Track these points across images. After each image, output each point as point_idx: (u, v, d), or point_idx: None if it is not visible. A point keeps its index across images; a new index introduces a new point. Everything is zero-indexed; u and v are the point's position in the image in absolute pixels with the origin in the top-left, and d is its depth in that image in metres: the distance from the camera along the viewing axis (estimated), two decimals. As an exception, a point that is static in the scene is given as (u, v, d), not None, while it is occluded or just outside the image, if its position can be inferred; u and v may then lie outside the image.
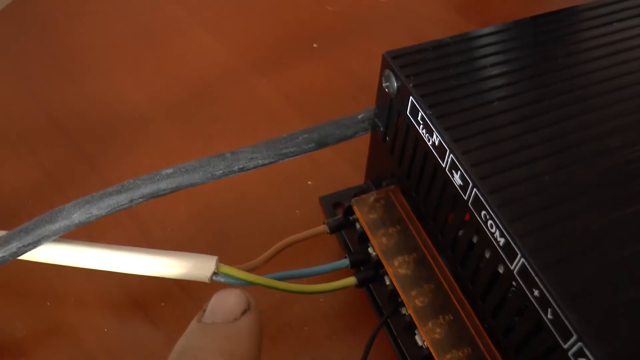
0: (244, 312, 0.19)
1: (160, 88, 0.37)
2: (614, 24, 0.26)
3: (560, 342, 0.18)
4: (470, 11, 0.43)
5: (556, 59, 0.25)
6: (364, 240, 0.26)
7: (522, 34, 0.25)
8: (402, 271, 0.24)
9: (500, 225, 0.19)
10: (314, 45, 0.39)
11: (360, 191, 0.26)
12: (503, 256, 0.20)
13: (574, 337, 0.17)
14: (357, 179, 0.31)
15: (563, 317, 0.18)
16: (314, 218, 0.28)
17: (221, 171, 0.25)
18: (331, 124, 0.27)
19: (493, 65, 0.24)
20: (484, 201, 0.20)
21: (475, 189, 0.20)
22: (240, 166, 0.25)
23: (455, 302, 0.23)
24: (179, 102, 0.36)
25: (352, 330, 0.27)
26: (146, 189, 0.25)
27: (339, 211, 0.31)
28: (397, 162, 0.26)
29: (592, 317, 0.17)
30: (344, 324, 0.27)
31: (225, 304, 0.19)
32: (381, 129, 0.26)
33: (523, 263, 0.19)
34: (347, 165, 0.32)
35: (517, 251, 0.19)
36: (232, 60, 0.39)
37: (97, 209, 0.25)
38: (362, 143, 0.29)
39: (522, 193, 0.20)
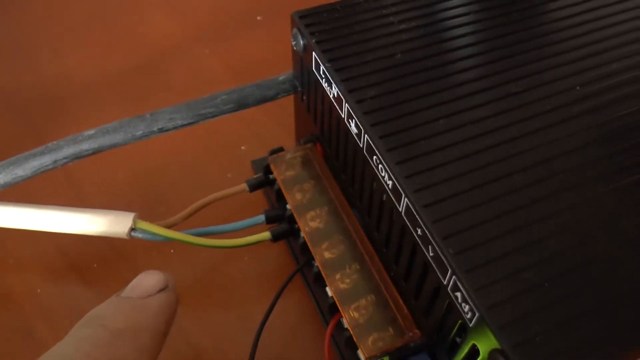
0: (160, 290, 0.20)
1: (106, 61, 0.37)
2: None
3: (441, 278, 0.19)
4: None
5: (468, 14, 0.25)
6: (281, 197, 0.26)
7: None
8: (313, 225, 0.25)
9: (387, 168, 0.20)
10: (258, 17, 0.40)
11: (277, 149, 0.27)
12: (393, 199, 0.20)
13: (449, 272, 0.18)
14: (292, 143, 0.32)
15: (440, 253, 0.18)
16: (244, 181, 0.28)
17: (141, 131, 0.26)
18: (252, 85, 0.27)
19: (401, 21, 0.25)
20: (374, 146, 0.21)
21: (366, 135, 0.21)
22: (160, 126, 0.26)
23: (364, 253, 0.24)
24: (124, 73, 0.37)
25: (274, 285, 0.27)
26: (69, 150, 0.26)
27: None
28: (313, 119, 0.26)
29: (465, 252, 0.18)
30: (267, 280, 0.28)
31: (144, 282, 0.20)
32: (299, 88, 0.27)
33: (407, 203, 0.19)
34: (282, 130, 0.33)
35: (402, 192, 0.19)
36: (176, 32, 0.39)
37: (22, 170, 0.26)
38: (292, 106, 0.29)
39: (411, 138, 0.20)
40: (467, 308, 0.18)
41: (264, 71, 0.31)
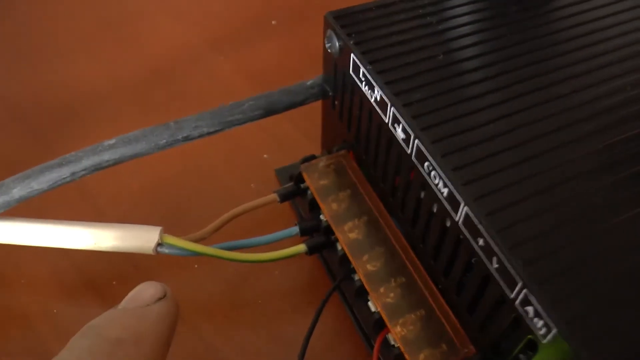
0: (159, 300, 0.19)
1: (118, 69, 0.36)
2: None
3: (507, 292, 0.17)
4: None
5: (505, 14, 0.24)
6: (314, 207, 0.25)
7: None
8: (352, 236, 0.24)
9: (442, 174, 0.19)
10: (273, 22, 0.38)
11: (309, 157, 0.26)
12: (448, 207, 0.19)
13: (519, 285, 0.17)
14: (315, 150, 0.30)
15: (507, 264, 0.17)
16: (270, 191, 0.27)
17: (165, 140, 0.25)
18: (279, 91, 0.26)
19: (439, 22, 0.23)
20: (425, 152, 0.19)
21: (417, 141, 0.20)
22: (185, 135, 0.25)
23: (408, 265, 0.23)
24: (137, 82, 0.35)
25: (308, 301, 0.26)
26: (88, 161, 0.24)
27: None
28: (346, 126, 0.25)
29: (535, 263, 0.17)
30: (299, 295, 0.26)
31: (142, 293, 0.19)
32: (330, 94, 0.26)
33: (466, 212, 0.18)
34: (304, 137, 0.32)
35: (460, 200, 0.18)
36: (190, 40, 0.38)
37: (37, 183, 0.24)
38: (319, 115, 0.28)
39: (465, 142, 0.19)
40: (540, 323, 0.16)
41: (282, 77, 0.30)
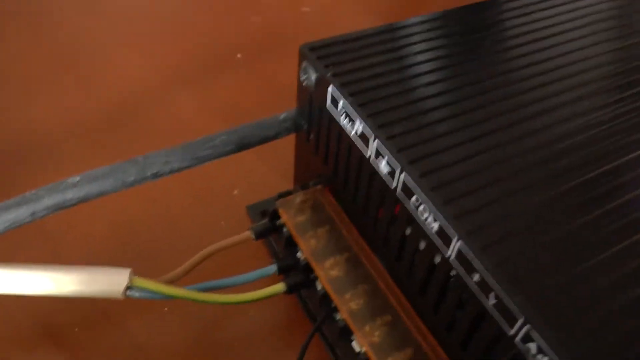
0: None
1: (75, 109, 0.34)
2: (533, 14, 0.26)
3: (506, 328, 0.17)
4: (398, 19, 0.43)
5: (481, 46, 0.24)
6: (291, 244, 0.24)
7: (446, 24, 0.25)
8: (333, 273, 0.23)
9: (432, 209, 0.18)
10: (238, 55, 0.38)
11: (285, 193, 0.25)
12: (438, 243, 0.18)
13: (520, 321, 0.16)
14: (286, 186, 0.29)
15: (506, 301, 0.16)
16: (241, 228, 0.26)
17: (133, 177, 0.23)
18: (251, 125, 0.25)
19: (418, 53, 0.23)
20: (413, 186, 0.19)
21: (403, 174, 0.19)
22: (154, 171, 0.23)
23: (394, 302, 0.22)
24: (96, 122, 0.34)
25: (286, 344, 0.25)
26: (50, 200, 0.23)
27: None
28: (322, 160, 0.24)
29: (536, 298, 0.16)
30: (278, 338, 0.25)
31: None
32: (304, 127, 0.25)
33: (460, 247, 0.18)
34: (275, 173, 0.31)
35: (452, 234, 0.18)
36: (151, 75, 0.37)
37: (-7, 226, 0.22)
38: (290, 150, 0.27)
39: (453, 176, 0.19)
40: (543, 360, 0.16)
41: (250, 112, 0.29)
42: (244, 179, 0.31)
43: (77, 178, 0.23)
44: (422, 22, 0.25)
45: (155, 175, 0.24)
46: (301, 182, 0.28)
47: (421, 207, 0.19)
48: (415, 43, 0.24)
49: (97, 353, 0.24)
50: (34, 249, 0.27)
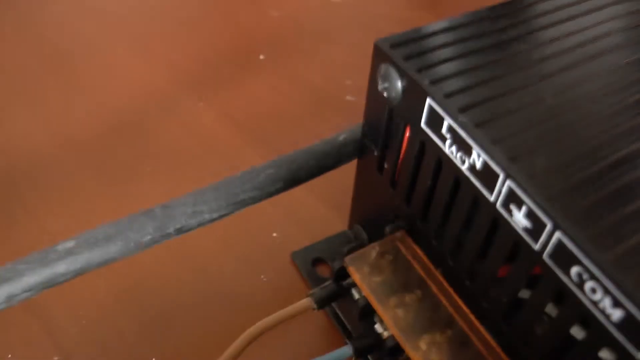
0: None
1: (68, 124, 0.28)
2: None
3: None
4: (438, 7, 0.36)
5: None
6: (367, 314, 0.18)
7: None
8: (434, 357, 0.16)
9: (612, 289, 0.12)
10: (261, 57, 0.31)
11: (356, 245, 0.18)
12: (620, 339, 0.12)
13: None
14: (338, 224, 0.23)
15: None
16: (287, 283, 0.20)
17: (150, 236, 0.17)
18: (304, 152, 0.19)
19: (534, 48, 0.17)
20: (576, 251, 0.12)
21: (558, 233, 0.13)
22: (178, 226, 0.17)
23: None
24: (94, 138, 0.27)
25: None
26: (34, 277, 0.16)
27: (319, 270, 0.23)
28: (403, 197, 0.18)
29: None
30: None
31: None
32: (375, 153, 0.19)
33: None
34: (323, 207, 0.24)
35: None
36: (159, 82, 0.30)
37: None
38: (341, 176, 0.21)
39: (622, 229, 0.13)
40: None
41: (277, 124, 0.23)
42: (285, 217, 0.24)
43: (72, 243, 0.17)
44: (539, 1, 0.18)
45: (180, 231, 0.17)
46: (361, 221, 0.21)
47: (589, 285, 0.12)
48: (525, 38, 0.17)
49: None
50: (21, 329, 0.21)
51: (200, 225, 0.17)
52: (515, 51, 0.17)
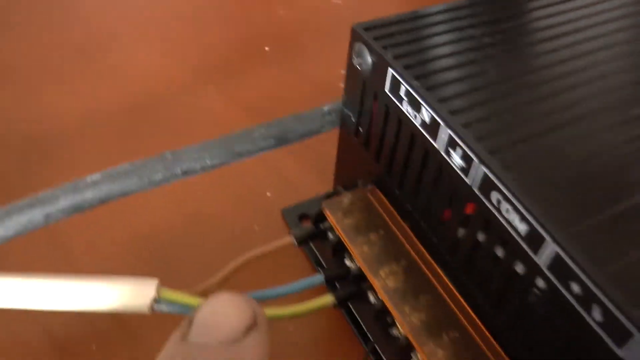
0: (249, 329, 0.14)
1: (96, 104, 0.32)
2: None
3: (613, 347, 0.14)
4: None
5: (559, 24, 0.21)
6: (339, 250, 0.21)
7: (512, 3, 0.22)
8: (390, 284, 0.20)
9: (521, 207, 0.15)
10: (266, 48, 0.35)
11: (332, 193, 0.22)
12: (525, 247, 0.16)
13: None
14: (324, 187, 0.27)
15: (618, 315, 0.13)
16: (276, 233, 0.23)
17: (161, 174, 0.21)
18: (292, 117, 0.23)
19: (484, 35, 0.21)
20: (495, 180, 0.16)
21: (482, 167, 0.16)
22: (184, 168, 0.21)
23: (460, 317, 0.19)
24: (118, 117, 0.31)
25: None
26: (67, 201, 0.20)
27: (304, 224, 0.26)
28: (374, 156, 0.22)
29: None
30: (323, 355, 0.22)
31: (224, 319, 0.14)
32: (353, 119, 0.22)
33: (557, 251, 0.15)
34: (311, 173, 0.28)
35: (548, 237, 0.15)
36: (174, 69, 0.34)
37: (2, 229, 0.20)
38: (326, 146, 0.25)
39: (540, 167, 0.16)
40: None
41: (281, 108, 0.27)
42: (278, 180, 0.28)
43: (98, 176, 0.20)
44: (486, 1, 0.22)
45: (186, 173, 0.21)
46: (343, 182, 0.25)
47: (505, 206, 0.16)
48: (481, 24, 0.21)
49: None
50: (46, 259, 0.24)
51: (203, 169, 0.21)
52: (468, 34, 0.20)
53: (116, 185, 0.20)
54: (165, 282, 0.21)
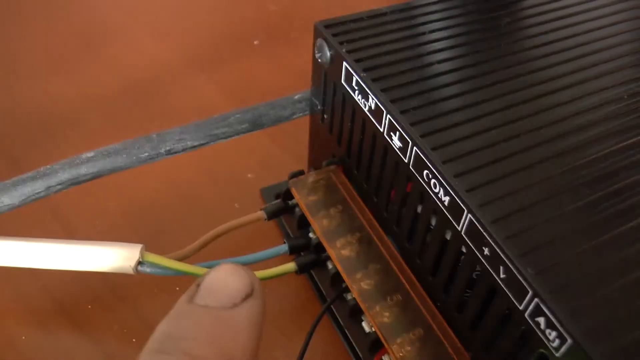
0: (246, 297, 0.16)
1: (94, 87, 0.35)
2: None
3: (516, 303, 0.16)
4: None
5: (497, 25, 0.24)
6: (304, 224, 0.24)
7: (463, 3, 0.25)
8: (345, 253, 0.22)
9: (444, 182, 0.18)
10: (255, 42, 0.38)
11: (297, 172, 0.25)
12: (449, 217, 0.18)
13: (529, 294, 0.16)
14: (301, 167, 0.29)
15: (516, 273, 0.16)
16: (255, 210, 0.26)
17: (147, 153, 0.23)
18: (266, 104, 0.25)
19: (432, 31, 0.23)
20: (425, 159, 0.19)
21: (415, 148, 0.19)
22: (168, 148, 0.24)
23: (405, 282, 0.21)
24: (113, 100, 0.34)
25: (295, 324, 0.25)
26: (65, 174, 0.23)
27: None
28: (336, 139, 0.24)
29: (546, 271, 0.16)
30: (287, 319, 0.25)
31: (226, 285, 0.16)
32: (318, 107, 0.25)
33: (470, 220, 0.17)
34: (290, 157, 0.31)
35: (464, 207, 0.17)
36: (169, 57, 0.37)
37: (9, 198, 0.23)
38: (304, 133, 0.27)
39: (466, 149, 0.19)
40: (553, 335, 0.15)
41: (266, 96, 0.29)
42: (259, 163, 0.31)
43: (91, 153, 0.23)
44: (438, 2, 0.24)
45: (169, 152, 0.24)
46: (316, 164, 0.28)
47: (433, 181, 0.19)
48: (430, 22, 0.23)
49: (109, 331, 0.24)
50: (47, 227, 0.27)
51: (184, 149, 0.24)
52: (418, 32, 0.23)
53: (108, 162, 0.23)
54: (151, 248, 0.24)
